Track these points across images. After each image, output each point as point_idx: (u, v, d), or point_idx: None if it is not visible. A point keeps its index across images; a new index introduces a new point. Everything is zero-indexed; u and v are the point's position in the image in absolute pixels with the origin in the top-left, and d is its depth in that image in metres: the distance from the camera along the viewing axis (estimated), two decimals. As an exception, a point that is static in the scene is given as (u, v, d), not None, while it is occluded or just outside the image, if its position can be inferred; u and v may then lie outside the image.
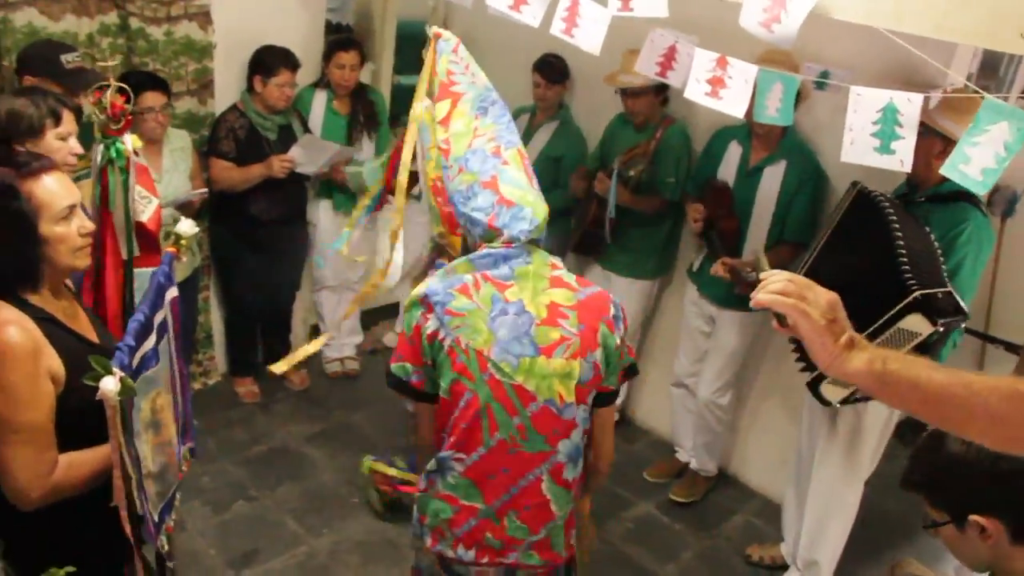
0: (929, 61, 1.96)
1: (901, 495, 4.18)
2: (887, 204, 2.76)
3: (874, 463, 3.27)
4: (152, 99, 3.26)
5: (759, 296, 1.32)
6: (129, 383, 1.62)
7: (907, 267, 2.55)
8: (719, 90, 2.25)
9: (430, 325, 1.90)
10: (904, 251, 2.59)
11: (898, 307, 2.54)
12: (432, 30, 2.19)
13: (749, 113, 2.34)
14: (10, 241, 1.70)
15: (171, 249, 2.18)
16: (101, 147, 2.13)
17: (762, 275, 1.33)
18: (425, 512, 2.07)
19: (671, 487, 3.99)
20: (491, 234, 1.92)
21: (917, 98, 1.92)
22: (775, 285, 1.30)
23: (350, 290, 4.46)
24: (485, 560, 2.05)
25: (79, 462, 1.78)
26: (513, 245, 1.91)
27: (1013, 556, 1.49)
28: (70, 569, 1.76)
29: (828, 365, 1.28)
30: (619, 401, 4.35)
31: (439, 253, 2.51)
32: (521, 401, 1.90)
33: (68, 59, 2.76)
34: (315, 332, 4.74)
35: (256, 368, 4.36)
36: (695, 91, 2.31)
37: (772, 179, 3.39)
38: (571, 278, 1.98)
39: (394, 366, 1.99)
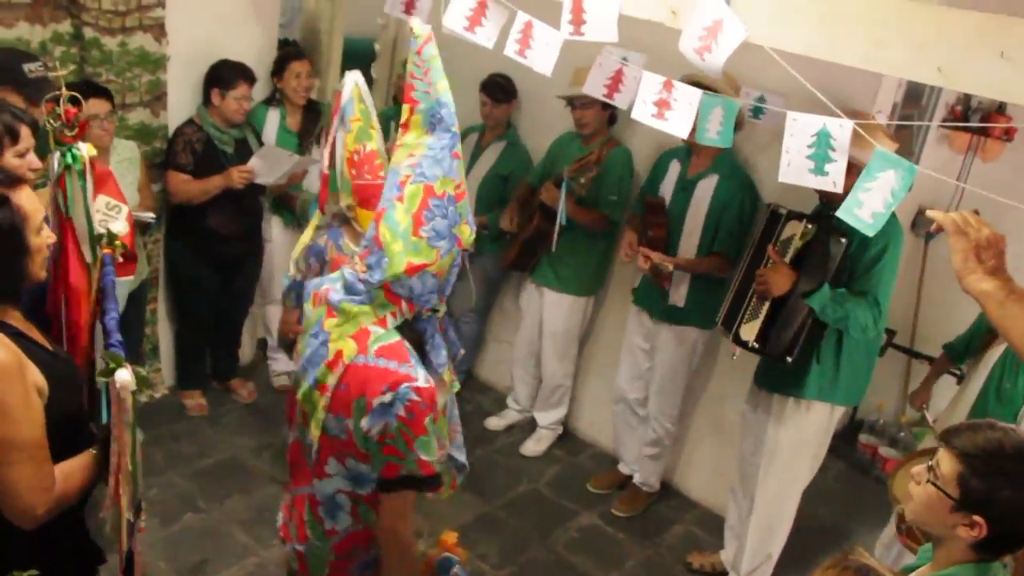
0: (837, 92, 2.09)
1: (832, 502, 4.37)
2: (788, 210, 3.11)
3: (813, 471, 3.42)
4: (96, 106, 3.24)
5: (935, 213, 1.72)
6: (141, 373, 1.70)
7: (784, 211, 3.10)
8: (664, 111, 2.36)
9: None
10: (785, 209, 3.12)
11: (778, 226, 3.12)
12: (411, 24, 1.97)
13: (692, 135, 2.47)
14: (6, 252, 1.71)
15: (107, 250, 2.20)
16: (57, 155, 2.14)
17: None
18: None
19: (613, 501, 4.09)
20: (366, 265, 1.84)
21: (848, 124, 2.06)
22: (952, 214, 1.70)
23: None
24: (281, 535, 2.15)
25: (70, 472, 1.78)
26: (366, 283, 1.82)
27: (962, 548, 1.62)
28: (34, 572, 1.75)
29: (962, 277, 1.67)
30: (562, 414, 4.46)
31: (342, 222, 2.60)
32: (302, 417, 1.95)
33: (31, 68, 2.74)
34: (263, 345, 4.75)
35: (204, 381, 4.35)
36: (642, 112, 2.41)
37: (704, 191, 3.57)
38: (377, 342, 1.81)
39: None
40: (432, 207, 1.78)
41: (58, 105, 2.08)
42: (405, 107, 1.88)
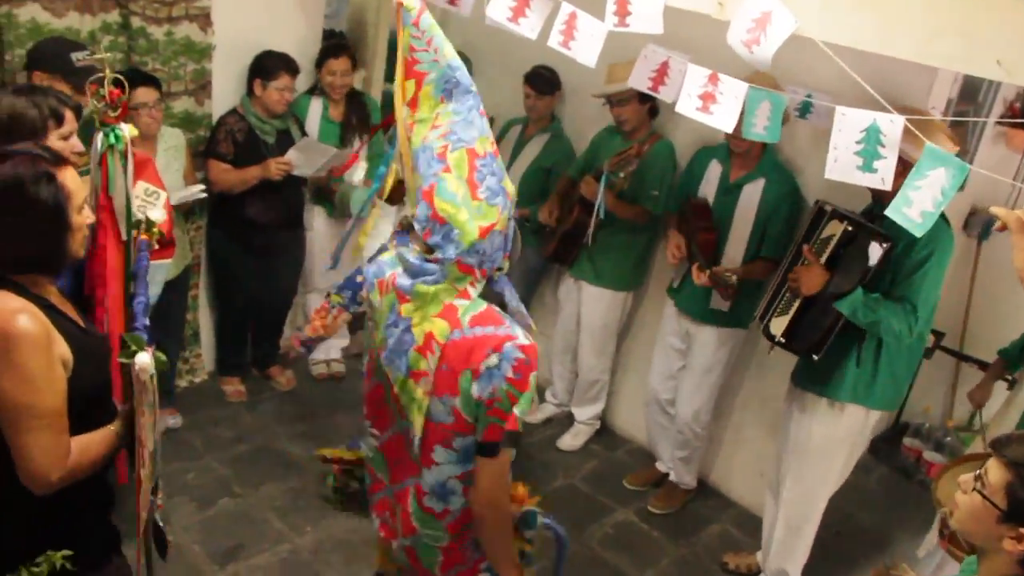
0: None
1: (876, 509, 4.28)
2: (833, 208, 3.01)
3: (846, 473, 3.35)
4: (144, 94, 3.29)
5: (999, 210, 1.75)
6: (161, 357, 1.75)
7: (830, 208, 2.99)
8: (710, 105, 2.32)
9: (366, 304, 1.99)
10: (831, 207, 3.00)
11: (822, 223, 3.00)
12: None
13: (737, 130, 2.42)
14: (50, 227, 1.76)
15: (144, 236, 2.25)
16: (100, 135, 2.18)
17: None
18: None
19: (649, 498, 4.05)
20: (427, 246, 1.82)
21: (899, 119, 2.00)
22: (1017, 211, 1.74)
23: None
24: (383, 535, 2.11)
25: (87, 445, 1.82)
26: (438, 261, 1.79)
27: (1008, 562, 1.56)
28: (66, 552, 1.80)
29: (1021, 268, 1.73)
30: (599, 409, 4.42)
31: (410, 229, 2.53)
32: (398, 409, 1.93)
33: (78, 57, 2.80)
34: (303, 334, 4.79)
35: (244, 368, 4.39)
36: (686, 106, 2.38)
37: (751, 196, 3.48)
38: (467, 313, 1.80)
39: None
40: (480, 168, 1.78)
41: (102, 87, 2.11)
42: (410, 83, 1.85)
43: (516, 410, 1.79)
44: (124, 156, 2.16)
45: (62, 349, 1.76)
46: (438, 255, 1.78)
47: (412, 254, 1.85)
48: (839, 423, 3.15)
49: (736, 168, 3.53)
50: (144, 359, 1.74)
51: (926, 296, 2.83)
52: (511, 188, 1.84)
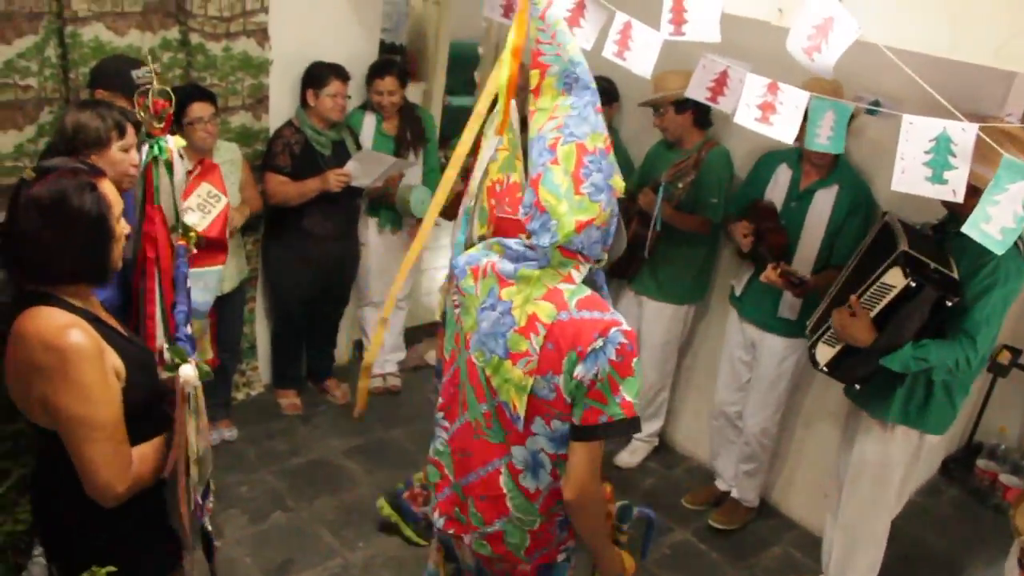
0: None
1: (945, 531, 4.11)
2: (901, 227, 2.83)
3: (904, 496, 3.21)
4: (200, 109, 3.33)
5: None
6: (205, 368, 1.78)
7: (903, 239, 2.72)
8: (769, 115, 2.24)
9: (453, 291, 2.04)
10: (904, 235, 2.75)
11: (885, 263, 2.73)
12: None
13: (800, 139, 2.33)
14: (96, 237, 1.79)
15: (181, 241, 2.27)
16: (146, 146, 2.21)
17: None
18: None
19: (710, 513, 3.95)
20: (528, 233, 1.91)
21: (972, 128, 1.89)
22: None
23: (396, 307, 4.50)
24: (452, 531, 2.13)
25: (145, 455, 1.85)
26: (534, 248, 1.89)
27: None
28: (111, 569, 1.80)
29: None
30: (658, 426, 4.33)
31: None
32: (490, 391, 1.96)
33: (138, 75, 2.85)
34: (358, 348, 4.80)
35: (299, 381, 4.41)
36: (745, 116, 2.30)
37: (823, 203, 3.37)
38: (574, 296, 1.86)
39: None
40: (588, 163, 1.82)
41: (148, 98, 2.14)
42: (534, 72, 1.92)
43: (627, 395, 1.83)
44: (169, 167, 2.18)
45: (114, 360, 1.78)
46: (534, 241, 1.86)
47: (513, 240, 1.95)
48: (891, 445, 3.03)
49: (808, 174, 3.42)
50: (188, 372, 1.78)
51: (987, 328, 2.69)
52: (620, 184, 1.87)
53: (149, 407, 1.91)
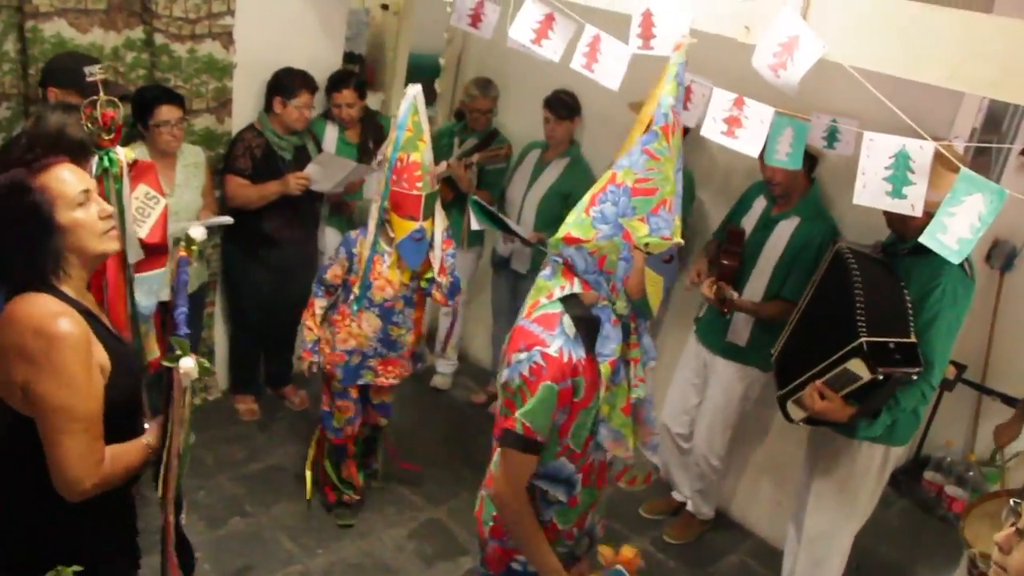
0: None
1: (897, 543, 4.18)
2: (853, 260, 2.87)
3: (869, 509, 3.27)
4: (167, 112, 3.30)
5: None
6: (204, 364, 1.79)
7: (861, 315, 2.70)
8: (735, 129, 2.29)
9: None
10: (861, 301, 2.74)
11: (844, 350, 2.70)
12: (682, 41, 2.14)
13: (762, 155, 2.39)
14: (29, 234, 1.75)
15: (183, 253, 2.24)
16: (95, 159, 2.17)
17: None
18: None
19: (665, 528, 3.98)
20: None
21: (929, 146, 1.96)
22: None
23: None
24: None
25: (119, 454, 1.83)
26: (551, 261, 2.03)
27: None
28: (77, 568, 1.77)
29: None
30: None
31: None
32: None
33: (91, 71, 2.81)
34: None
35: (258, 387, 4.37)
36: (711, 129, 2.35)
37: (783, 232, 3.42)
38: (540, 309, 1.98)
39: None
40: (608, 191, 1.92)
41: (96, 109, 2.10)
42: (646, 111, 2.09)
43: (518, 411, 1.90)
44: (119, 179, 2.16)
45: (101, 356, 1.77)
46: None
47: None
48: (857, 460, 3.08)
49: (779, 204, 3.48)
50: (188, 363, 1.78)
51: (943, 351, 2.78)
52: (639, 232, 1.89)
53: (127, 411, 1.89)
